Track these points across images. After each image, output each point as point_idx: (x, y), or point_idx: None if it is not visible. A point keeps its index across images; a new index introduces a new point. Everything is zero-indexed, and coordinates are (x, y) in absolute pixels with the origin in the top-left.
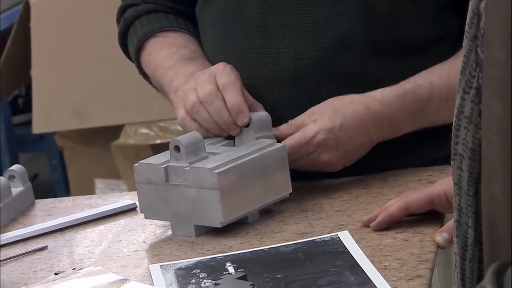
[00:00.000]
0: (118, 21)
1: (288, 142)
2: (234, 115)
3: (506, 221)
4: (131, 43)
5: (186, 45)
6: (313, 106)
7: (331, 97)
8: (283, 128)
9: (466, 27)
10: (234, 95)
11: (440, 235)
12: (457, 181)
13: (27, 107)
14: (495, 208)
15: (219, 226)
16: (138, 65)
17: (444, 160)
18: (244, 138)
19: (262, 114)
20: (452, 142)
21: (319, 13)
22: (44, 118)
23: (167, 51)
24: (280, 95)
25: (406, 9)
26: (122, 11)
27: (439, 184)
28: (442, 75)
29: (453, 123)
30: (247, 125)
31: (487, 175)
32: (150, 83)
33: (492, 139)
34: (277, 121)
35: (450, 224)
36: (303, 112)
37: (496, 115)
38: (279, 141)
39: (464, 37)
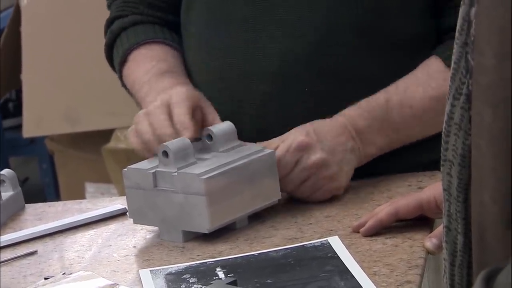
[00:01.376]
0: (105, 33)
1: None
2: (177, 129)
3: (496, 227)
4: (116, 55)
5: (165, 58)
6: (300, 101)
7: (316, 92)
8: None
9: (456, 34)
10: (182, 111)
11: (430, 241)
12: (446, 187)
13: (18, 111)
14: (484, 215)
15: (206, 232)
16: (120, 77)
17: (429, 164)
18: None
19: (224, 126)
20: (442, 148)
21: (304, 8)
22: (35, 122)
23: (146, 65)
24: (266, 90)
25: (393, 3)
26: (109, 23)
27: (429, 189)
28: (398, 85)
29: (443, 129)
30: (211, 139)
31: (477, 182)
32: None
33: (482, 146)
34: (265, 117)
35: (439, 229)
36: (290, 107)
37: (486, 122)
38: None
39: (454, 43)
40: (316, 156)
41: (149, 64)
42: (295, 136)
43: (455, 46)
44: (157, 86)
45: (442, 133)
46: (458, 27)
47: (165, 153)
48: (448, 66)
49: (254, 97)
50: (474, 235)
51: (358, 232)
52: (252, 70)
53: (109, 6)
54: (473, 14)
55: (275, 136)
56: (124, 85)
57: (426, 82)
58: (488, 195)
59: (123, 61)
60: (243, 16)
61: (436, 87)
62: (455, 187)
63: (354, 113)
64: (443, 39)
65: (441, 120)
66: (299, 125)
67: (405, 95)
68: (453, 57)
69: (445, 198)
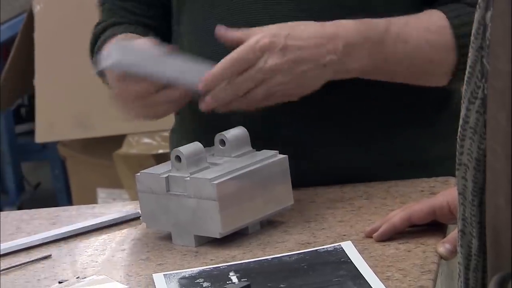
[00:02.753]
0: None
1: (231, 54)
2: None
3: (510, 232)
4: (95, 49)
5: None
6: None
7: None
8: (232, 34)
9: (472, 38)
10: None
11: (443, 246)
12: (461, 191)
13: (30, 116)
14: (499, 219)
15: (218, 236)
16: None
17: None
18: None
19: (237, 131)
20: (457, 152)
21: (287, 9)
22: (47, 128)
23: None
24: None
25: (379, 2)
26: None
27: (442, 195)
28: (401, 18)
29: (458, 133)
30: (224, 144)
31: (492, 186)
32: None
33: (497, 150)
34: (268, 116)
35: (453, 235)
36: (290, 102)
37: (501, 126)
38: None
39: (470, 47)
40: (279, 60)
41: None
42: (268, 31)
43: (470, 50)
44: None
45: (457, 137)
46: (473, 31)
47: (178, 158)
48: (450, 20)
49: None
50: (488, 238)
51: (371, 237)
52: None
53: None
54: (489, 18)
55: (272, 138)
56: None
57: (426, 25)
58: (503, 199)
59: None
60: (232, 25)
61: (434, 32)
62: (470, 191)
63: (351, 26)
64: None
65: (427, 73)
66: (296, 119)
67: (404, 29)
68: (468, 61)
69: (460, 202)
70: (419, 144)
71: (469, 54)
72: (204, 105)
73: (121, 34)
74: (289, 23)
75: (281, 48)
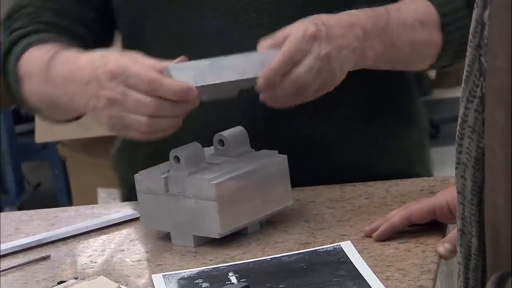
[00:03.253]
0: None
1: (285, 46)
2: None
3: (508, 230)
4: (11, 57)
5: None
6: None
7: None
8: (269, 41)
9: (470, 36)
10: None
11: (442, 246)
12: (460, 190)
13: (30, 117)
14: (498, 217)
15: (217, 237)
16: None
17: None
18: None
19: (236, 131)
20: (455, 151)
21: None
22: (47, 127)
23: (44, 55)
24: (252, 95)
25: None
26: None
27: (441, 194)
28: (392, 5)
29: (457, 132)
30: (223, 144)
31: (490, 184)
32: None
33: (495, 148)
34: (254, 123)
35: (452, 234)
36: (274, 109)
37: (499, 124)
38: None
39: (468, 46)
40: (329, 47)
41: (47, 53)
42: (307, 26)
43: (468, 48)
44: (80, 57)
45: (456, 136)
46: (471, 30)
47: (177, 158)
48: (431, 0)
49: (239, 103)
50: (487, 237)
51: (371, 237)
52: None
53: (8, 18)
54: (486, 17)
55: (264, 139)
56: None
57: (415, 7)
58: (501, 197)
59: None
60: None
61: (424, 13)
62: (469, 190)
63: (363, 15)
64: None
65: (423, 55)
66: (289, 119)
67: (399, 14)
68: (467, 60)
69: (459, 201)
70: (397, 132)
71: (467, 53)
72: (268, 102)
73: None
74: (314, 16)
75: (326, 36)
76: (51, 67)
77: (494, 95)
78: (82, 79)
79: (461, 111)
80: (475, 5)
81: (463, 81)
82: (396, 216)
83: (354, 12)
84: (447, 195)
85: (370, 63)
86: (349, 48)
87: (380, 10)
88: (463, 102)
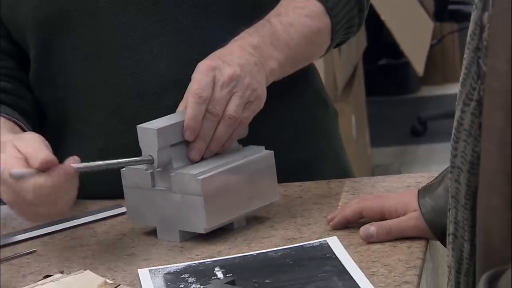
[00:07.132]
0: None
1: (189, 88)
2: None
3: (507, 232)
4: None
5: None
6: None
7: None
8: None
9: (468, 39)
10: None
11: (365, 228)
12: (454, 194)
13: None
14: (492, 220)
15: (203, 232)
16: None
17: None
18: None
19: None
20: (450, 155)
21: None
22: None
23: None
24: (169, 103)
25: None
26: None
27: (393, 198)
28: (271, 12)
29: (452, 135)
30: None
31: (484, 187)
32: None
33: (491, 151)
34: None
35: (384, 222)
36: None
37: (497, 126)
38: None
39: (466, 48)
40: (228, 70)
41: None
42: (200, 64)
43: (466, 50)
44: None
45: (451, 139)
46: (470, 32)
47: None
48: None
49: (157, 112)
50: (478, 240)
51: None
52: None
53: None
54: (486, 19)
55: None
56: None
57: (293, 5)
58: (498, 200)
59: None
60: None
61: (303, 6)
62: (463, 195)
63: (243, 34)
64: None
65: (318, 44)
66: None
67: (280, 16)
68: (464, 62)
69: (452, 205)
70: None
71: (465, 55)
72: (195, 156)
73: None
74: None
75: (223, 62)
76: None
77: (492, 96)
78: None
79: (457, 114)
80: (474, 6)
81: (460, 83)
82: (349, 208)
83: (237, 37)
84: (399, 201)
85: (278, 74)
86: (250, 63)
87: (260, 22)
88: (460, 105)
